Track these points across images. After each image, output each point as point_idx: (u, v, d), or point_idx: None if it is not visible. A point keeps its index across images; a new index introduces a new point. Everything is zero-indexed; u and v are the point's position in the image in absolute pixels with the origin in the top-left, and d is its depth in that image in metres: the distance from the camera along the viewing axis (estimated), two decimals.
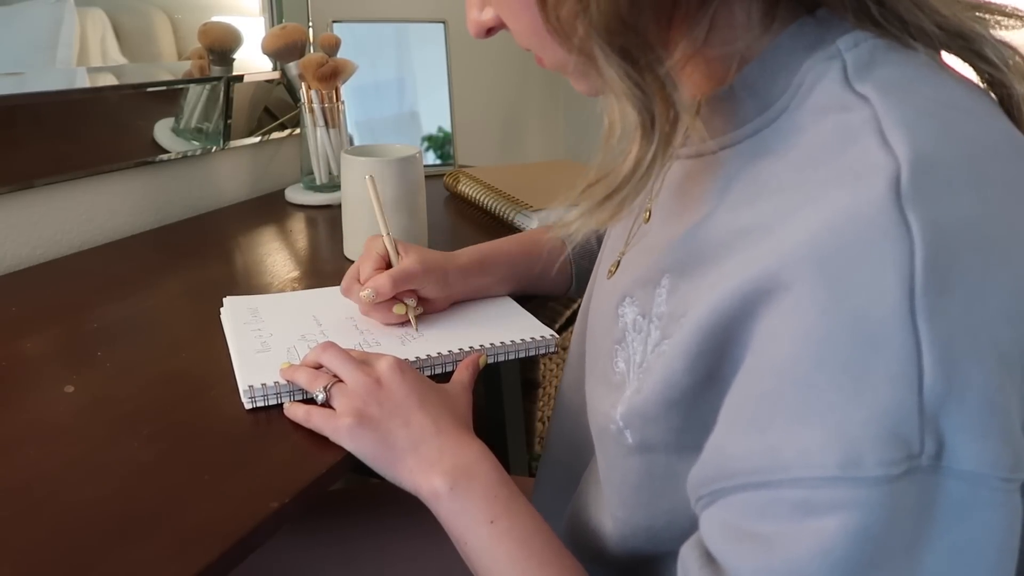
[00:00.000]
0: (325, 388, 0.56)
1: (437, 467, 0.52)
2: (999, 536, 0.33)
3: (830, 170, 0.35)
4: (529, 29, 0.43)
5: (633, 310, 0.47)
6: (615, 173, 0.40)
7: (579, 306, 1.27)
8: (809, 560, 0.32)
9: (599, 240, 0.75)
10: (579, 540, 0.56)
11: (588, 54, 0.39)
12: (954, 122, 0.36)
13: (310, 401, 0.57)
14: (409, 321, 0.70)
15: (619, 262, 0.52)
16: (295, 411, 0.57)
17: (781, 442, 0.33)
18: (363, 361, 0.58)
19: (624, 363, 0.47)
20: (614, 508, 0.49)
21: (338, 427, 0.54)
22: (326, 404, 0.56)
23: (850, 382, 0.32)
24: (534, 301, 0.79)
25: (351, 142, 1.24)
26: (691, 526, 0.41)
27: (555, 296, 0.83)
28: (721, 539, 0.37)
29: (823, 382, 0.32)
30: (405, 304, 0.69)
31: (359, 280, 0.69)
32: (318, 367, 0.59)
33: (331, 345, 0.59)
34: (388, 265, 0.70)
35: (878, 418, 0.31)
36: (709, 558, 0.38)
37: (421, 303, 0.70)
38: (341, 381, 0.57)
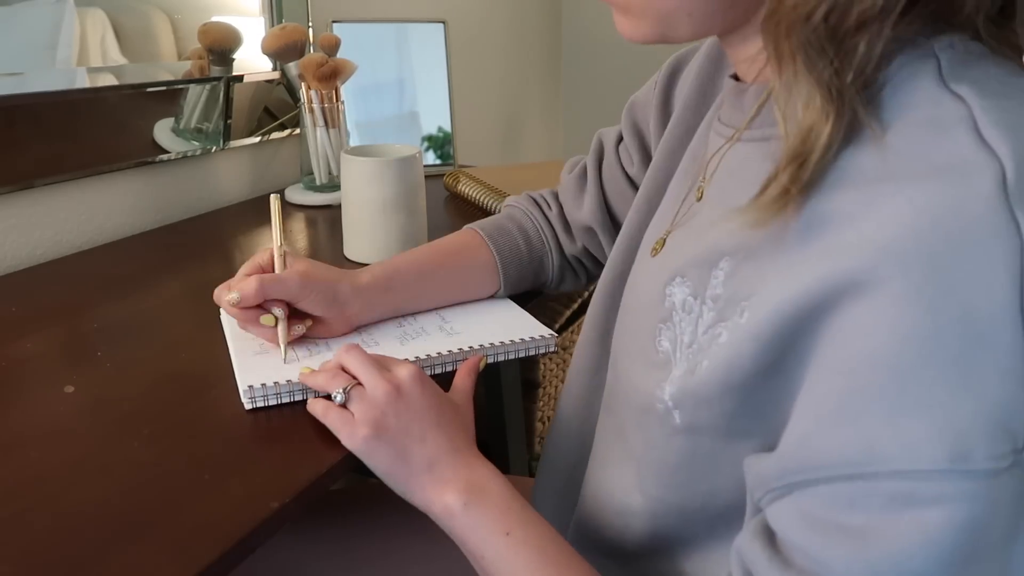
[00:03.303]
0: (344, 390, 0.55)
1: (451, 485, 0.52)
2: None
3: (922, 164, 0.35)
4: None
5: (684, 290, 0.47)
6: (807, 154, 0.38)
7: (579, 306, 1.27)
8: (913, 553, 0.33)
9: (527, 244, 0.76)
10: (589, 533, 0.56)
11: (788, 57, 0.38)
12: None
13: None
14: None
15: (664, 240, 0.52)
16: (315, 406, 0.56)
17: (879, 435, 0.33)
18: (384, 367, 0.56)
19: (669, 342, 0.47)
20: (648, 485, 0.49)
21: (354, 434, 0.53)
22: (343, 406, 0.55)
23: (958, 377, 0.32)
24: (534, 301, 0.79)
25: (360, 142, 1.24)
26: (725, 510, 0.41)
27: (543, 294, 0.80)
28: (800, 531, 0.37)
29: (929, 377, 0.32)
30: (273, 315, 0.62)
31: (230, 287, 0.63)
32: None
33: (354, 347, 0.57)
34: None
35: (987, 412, 0.32)
36: (776, 549, 0.38)
37: (315, 325, 0.65)
38: (361, 384, 0.56)
